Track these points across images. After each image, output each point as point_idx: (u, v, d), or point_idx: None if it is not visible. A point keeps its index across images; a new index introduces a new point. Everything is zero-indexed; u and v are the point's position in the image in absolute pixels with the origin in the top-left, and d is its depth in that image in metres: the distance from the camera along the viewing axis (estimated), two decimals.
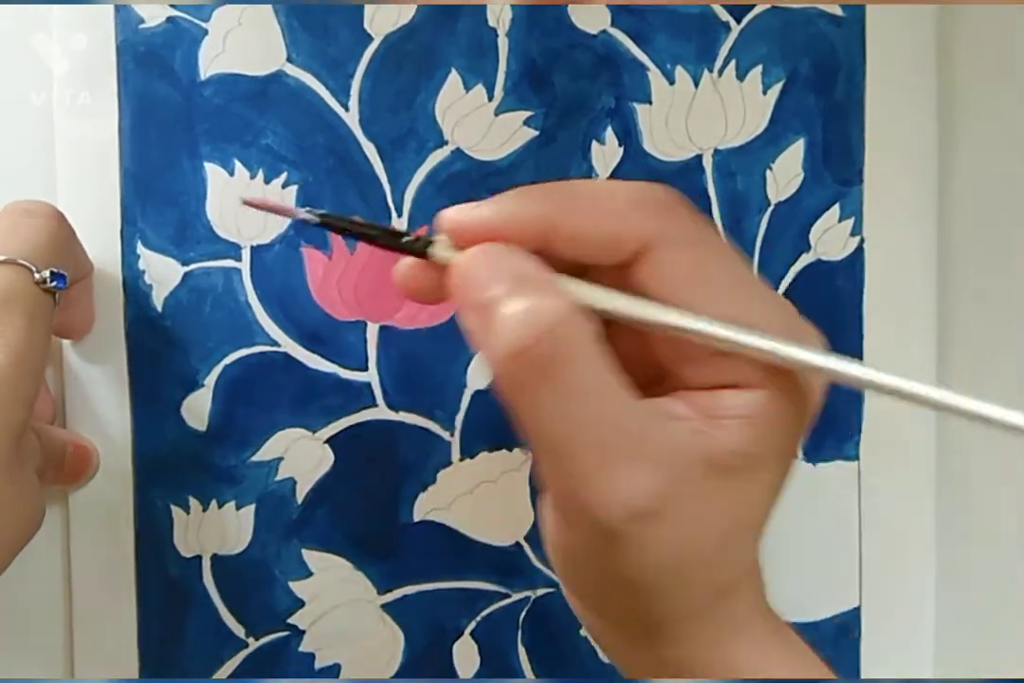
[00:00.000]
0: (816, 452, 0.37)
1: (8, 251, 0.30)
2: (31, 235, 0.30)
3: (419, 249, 0.25)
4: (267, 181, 0.35)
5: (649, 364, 0.25)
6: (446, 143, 0.35)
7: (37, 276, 0.30)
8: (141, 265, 0.35)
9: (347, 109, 0.35)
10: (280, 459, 0.36)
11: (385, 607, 0.36)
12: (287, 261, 0.35)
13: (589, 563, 0.24)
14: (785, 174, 0.36)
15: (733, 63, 0.36)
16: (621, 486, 0.23)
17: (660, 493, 0.23)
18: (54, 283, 0.30)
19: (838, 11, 0.36)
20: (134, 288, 0.35)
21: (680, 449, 0.23)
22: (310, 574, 0.36)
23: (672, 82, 0.36)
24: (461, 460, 0.36)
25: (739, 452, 0.24)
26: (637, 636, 0.26)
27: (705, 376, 0.24)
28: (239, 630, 0.36)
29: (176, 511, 0.35)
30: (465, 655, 0.36)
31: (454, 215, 0.24)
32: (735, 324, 0.24)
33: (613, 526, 0.23)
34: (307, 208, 0.26)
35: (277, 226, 0.35)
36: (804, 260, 0.37)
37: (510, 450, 0.36)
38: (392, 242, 0.25)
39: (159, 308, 0.35)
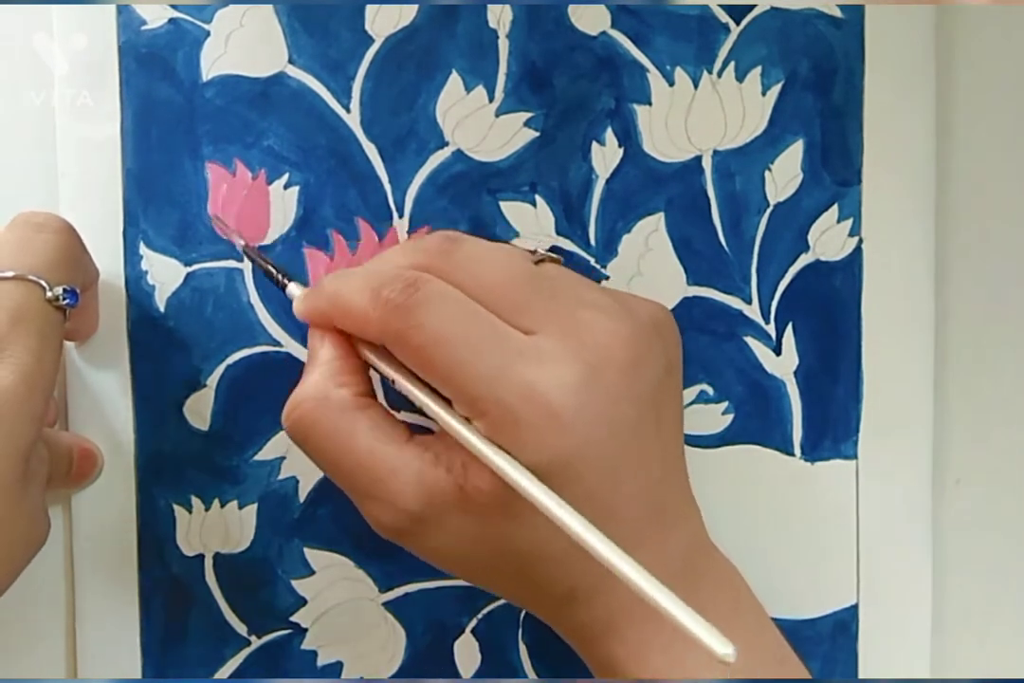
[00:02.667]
0: (814, 451, 0.37)
1: (19, 267, 0.29)
2: (42, 251, 0.30)
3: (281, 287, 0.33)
4: (269, 182, 0.35)
5: None
6: (447, 144, 0.35)
7: (49, 294, 0.30)
8: (144, 266, 0.35)
9: (348, 110, 0.35)
10: (282, 458, 0.36)
11: (387, 605, 0.37)
12: (289, 262, 0.35)
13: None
14: (784, 175, 0.36)
15: (732, 64, 0.36)
16: (373, 516, 0.30)
17: (403, 522, 0.29)
18: (66, 301, 0.30)
19: (837, 13, 0.36)
20: (136, 289, 0.35)
21: (430, 485, 0.28)
22: (312, 572, 0.36)
23: (672, 83, 0.36)
24: None
25: (487, 491, 0.28)
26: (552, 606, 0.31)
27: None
28: (241, 628, 0.36)
29: (178, 510, 0.36)
30: (466, 652, 0.37)
31: (295, 304, 0.32)
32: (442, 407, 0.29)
33: (397, 538, 0.30)
34: (243, 243, 0.34)
35: (279, 227, 0.35)
36: (803, 260, 0.37)
37: None
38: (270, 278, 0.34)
39: (161, 308, 0.35)
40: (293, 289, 0.33)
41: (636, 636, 0.30)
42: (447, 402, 0.29)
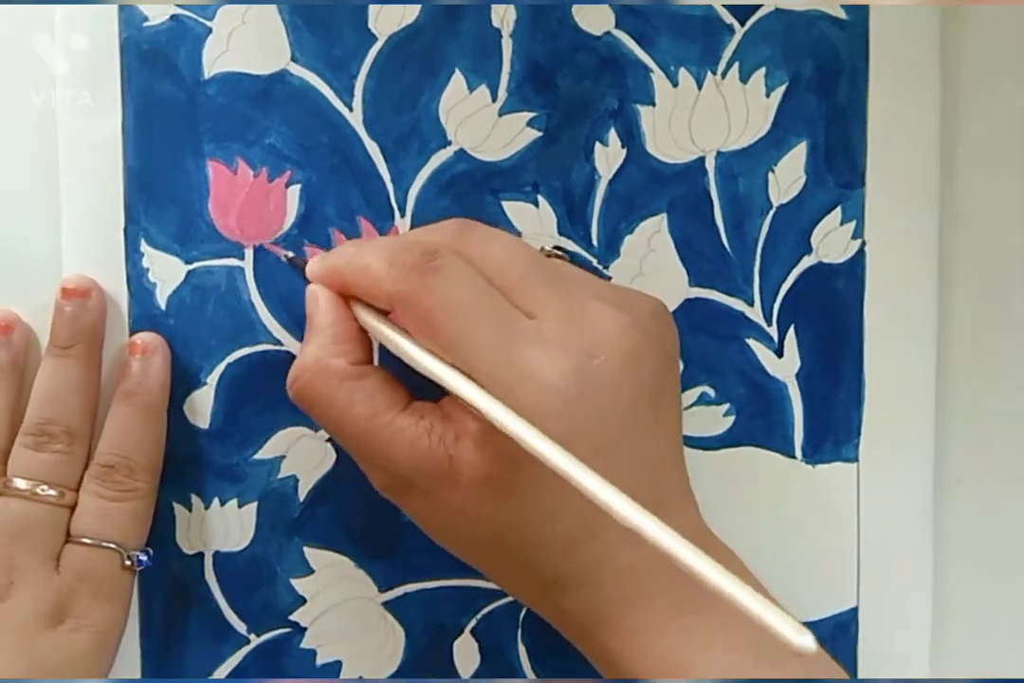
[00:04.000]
0: (815, 454, 0.37)
1: (102, 535, 0.33)
2: (124, 519, 0.33)
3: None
4: (270, 180, 0.35)
5: None
6: (449, 143, 0.35)
7: (127, 562, 0.33)
8: (145, 263, 0.35)
9: (351, 109, 0.35)
10: (282, 457, 0.36)
11: (386, 604, 0.36)
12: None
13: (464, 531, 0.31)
14: (787, 177, 0.36)
15: (736, 65, 0.36)
16: (372, 478, 0.31)
17: (396, 487, 0.31)
18: (139, 566, 0.34)
19: (842, 14, 0.36)
20: (138, 286, 0.35)
21: (421, 453, 0.29)
22: (311, 571, 0.36)
23: (675, 84, 0.36)
24: None
25: (475, 465, 0.29)
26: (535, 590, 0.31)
27: None
28: (240, 627, 0.36)
29: (178, 508, 0.36)
30: (465, 653, 0.37)
31: (309, 265, 0.33)
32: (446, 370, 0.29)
33: (393, 499, 0.31)
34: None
35: (280, 225, 0.35)
36: (805, 263, 0.37)
37: None
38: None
39: (162, 306, 0.35)
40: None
41: (628, 624, 0.30)
42: None
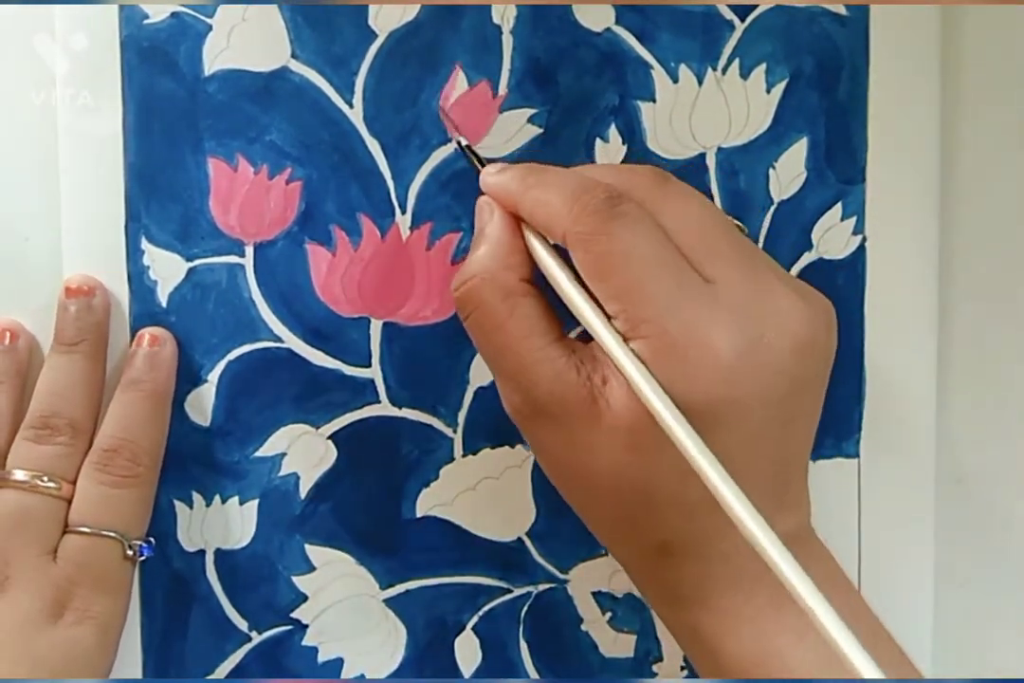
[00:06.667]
0: (816, 450, 0.37)
1: (102, 523, 0.33)
2: (123, 506, 0.33)
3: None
4: (271, 177, 0.35)
5: None
6: (450, 140, 0.35)
7: (129, 551, 0.33)
8: (146, 261, 0.35)
9: (351, 106, 0.35)
10: (283, 455, 0.36)
11: (387, 602, 0.36)
12: (291, 257, 0.35)
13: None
14: (788, 173, 0.36)
15: (737, 61, 0.36)
16: (506, 396, 0.31)
17: (527, 411, 0.30)
18: (141, 556, 0.34)
19: (842, 10, 0.36)
20: (139, 284, 0.35)
21: (564, 386, 0.28)
22: (313, 569, 0.36)
23: (676, 80, 0.36)
24: (464, 456, 0.36)
25: (616, 412, 0.28)
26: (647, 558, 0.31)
27: None
28: (242, 624, 0.36)
29: (179, 506, 0.36)
30: (467, 650, 0.37)
31: (484, 175, 0.32)
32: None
33: (518, 423, 0.31)
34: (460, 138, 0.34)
35: (281, 222, 0.35)
36: (806, 259, 0.37)
37: (512, 447, 0.36)
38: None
39: (163, 303, 0.35)
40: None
41: (726, 604, 0.29)
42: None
